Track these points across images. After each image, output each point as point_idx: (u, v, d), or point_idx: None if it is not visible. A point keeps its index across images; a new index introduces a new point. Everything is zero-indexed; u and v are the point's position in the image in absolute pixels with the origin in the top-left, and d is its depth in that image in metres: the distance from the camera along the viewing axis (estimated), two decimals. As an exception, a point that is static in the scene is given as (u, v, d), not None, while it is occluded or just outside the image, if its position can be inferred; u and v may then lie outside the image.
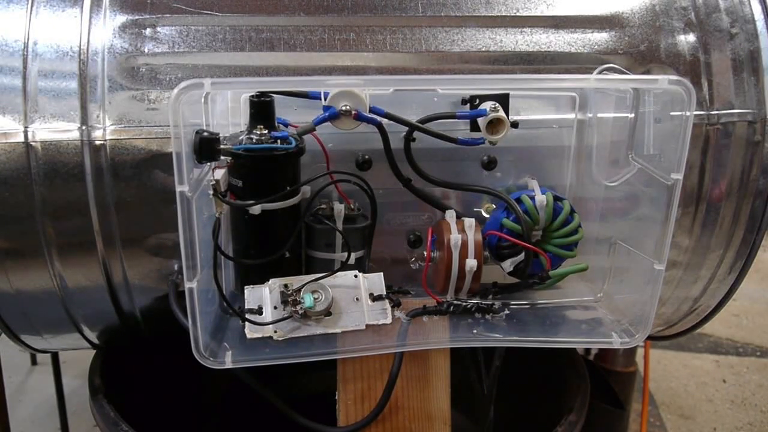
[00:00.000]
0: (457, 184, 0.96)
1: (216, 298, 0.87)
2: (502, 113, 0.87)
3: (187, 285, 0.77)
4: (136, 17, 0.91)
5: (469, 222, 0.91)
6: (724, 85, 0.98)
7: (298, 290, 0.84)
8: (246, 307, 0.85)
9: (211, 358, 0.81)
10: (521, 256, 0.91)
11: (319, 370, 1.03)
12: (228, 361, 0.81)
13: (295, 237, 0.87)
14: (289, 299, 0.83)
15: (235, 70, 0.92)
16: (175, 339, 0.85)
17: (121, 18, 0.91)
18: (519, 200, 0.92)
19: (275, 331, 0.83)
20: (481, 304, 0.91)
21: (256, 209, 0.83)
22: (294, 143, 0.83)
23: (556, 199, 0.92)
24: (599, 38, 0.98)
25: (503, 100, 0.89)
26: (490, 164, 0.96)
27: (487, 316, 0.91)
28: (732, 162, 0.99)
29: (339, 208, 0.89)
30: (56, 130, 0.87)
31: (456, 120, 0.90)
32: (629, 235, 0.95)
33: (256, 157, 0.82)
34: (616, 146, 0.95)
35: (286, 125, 0.88)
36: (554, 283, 0.95)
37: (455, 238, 0.89)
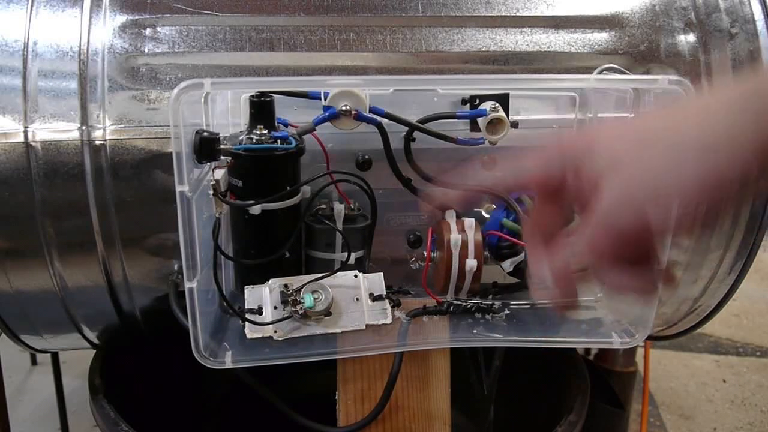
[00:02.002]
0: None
1: (216, 298, 0.87)
2: (502, 113, 0.87)
3: (187, 285, 0.76)
4: (136, 17, 0.91)
5: (469, 222, 0.91)
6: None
7: (298, 290, 0.84)
8: (246, 307, 0.85)
9: (211, 358, 0.81)
10: (521, 256, 0.91)
11: (319, 370, 1.03)
12: (228, 361, 0.81)
13: (295, 237, 0.87)
14: (289, 299, 0.83)
15: (235, 70, 0.92)
16: (175, 339, 0.85)
17: (121, 18, 0.91)
18: (519, 200, 0.92)
19: (275, 331, 0.83)
20: (481, 304, 0.91)
21: (256, 209, 0.83)
22: (294, 143, 0.83)
23: (556, 199, 0.92)
24: (599, 38, 0.98)
25: (503, 100, 0.89)
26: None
27: (487, 316, 0.91)
28: (732, 162, 0.99)
29: (339, 208, 0.89)
30: (56, 130, 0.87)
31: (456, 120, 0.91)
32: (629, 235, 0.95)
33: (256, 157, 0.82)
34: (616, 146, 0.94)
35: (286, 125, 0.87)
36: (554, 283, 0.95)
37: (455, 238, 0.89)
